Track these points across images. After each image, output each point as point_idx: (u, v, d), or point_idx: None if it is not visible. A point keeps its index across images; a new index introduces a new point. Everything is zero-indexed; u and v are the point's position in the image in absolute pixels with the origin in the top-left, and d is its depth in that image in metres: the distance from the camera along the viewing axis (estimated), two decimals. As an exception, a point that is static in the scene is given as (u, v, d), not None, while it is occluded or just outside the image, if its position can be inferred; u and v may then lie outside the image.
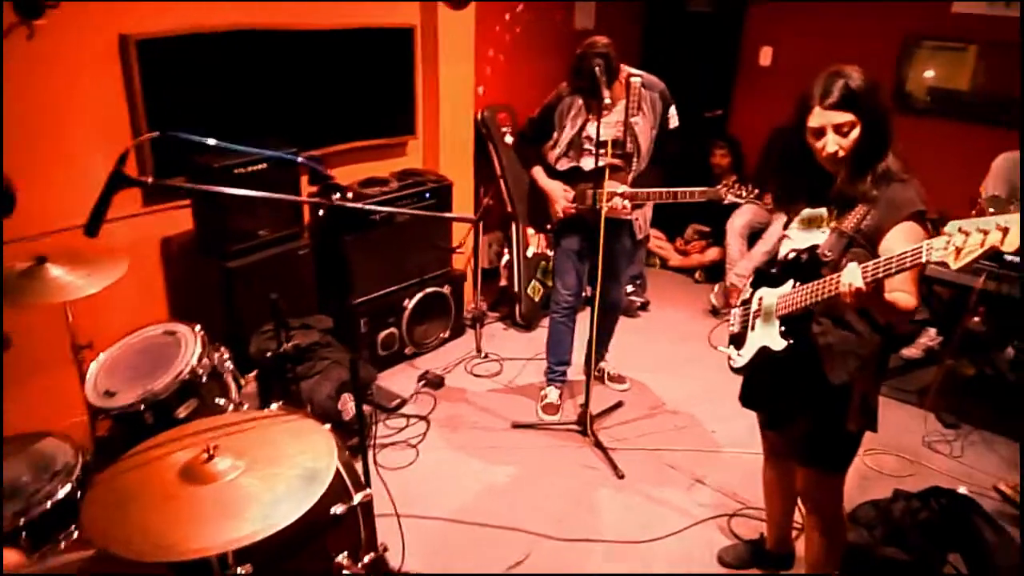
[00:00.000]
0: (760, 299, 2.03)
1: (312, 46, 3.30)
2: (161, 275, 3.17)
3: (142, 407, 2.05)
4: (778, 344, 1.91)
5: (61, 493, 1.95)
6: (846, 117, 1.75)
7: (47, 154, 2.68)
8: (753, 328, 2.04)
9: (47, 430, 2.18)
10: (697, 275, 5.12)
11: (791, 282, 1.90)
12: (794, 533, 2.54)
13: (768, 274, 2.03)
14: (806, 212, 1.95)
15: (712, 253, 5.07)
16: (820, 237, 1.86)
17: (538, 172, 3.16)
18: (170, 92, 2.87)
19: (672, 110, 3.00)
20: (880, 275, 1.57)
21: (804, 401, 1.98)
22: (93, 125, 2.77)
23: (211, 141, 1.68)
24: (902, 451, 3.18)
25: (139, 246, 2.99)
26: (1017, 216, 1.33)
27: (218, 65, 3.00)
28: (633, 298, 4.55)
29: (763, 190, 2.91)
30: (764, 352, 1.97)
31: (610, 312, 3.44)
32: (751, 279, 2.15)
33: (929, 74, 4.42)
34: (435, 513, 2.77)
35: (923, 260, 1.48)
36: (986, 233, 1.36)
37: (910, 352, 3.92)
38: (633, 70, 2.95)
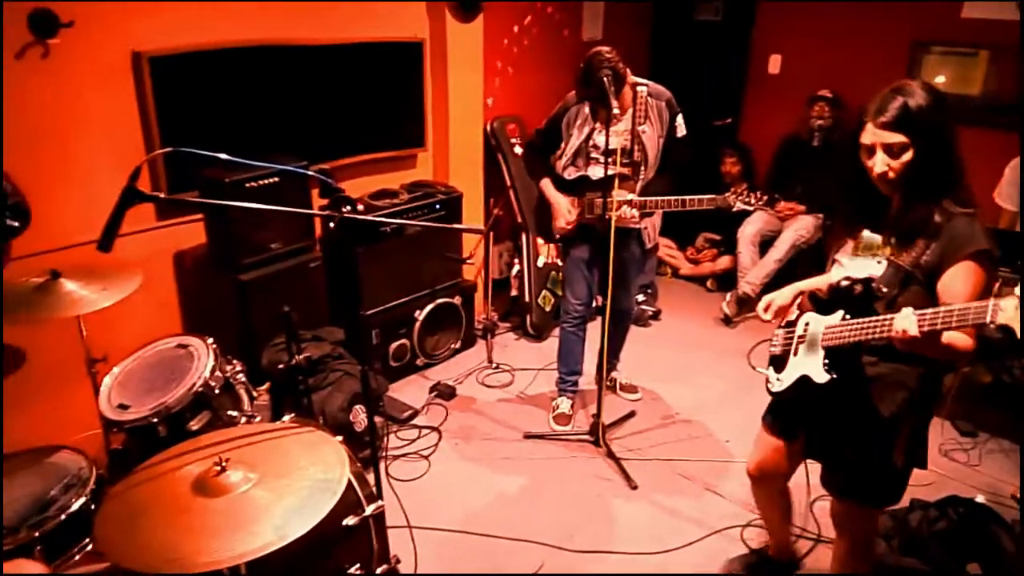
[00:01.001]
0: (806, 325, 1.95)
1: (322, 61, 3.33)
2: (174, 289, 3.20)
3: (155, 420, 2.07)
4: (821, 376, 1.84)
5: (75, 506, 1.96)
6: (897, 138, 1.65)
7: (61, 170, 2.71)
8: (796, 353, 1.96)
9: (61, 443, 2.20)
10: (709, 284, 5.11)
11: (840, 313, 1.82)
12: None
13: (818, 298, 1.95)
14: (863, 237, 1.85)
15: (723, 262, 5.05)
16: (874, 266, 1.78)
17: (546, 184, 3.16)
18: (182, 108, 2.90)
19: (679, 119, 3.01)
20: (938, 327, 1.50)
21: (848, 433, 1.90)
22: (106, 141, 2.80)
23: (223, 156, 1.70)
24: (919, 460, 3.14)
25: (152, 260, 3.02)
26: None
27: (229, 81, 3.03)
28: (644, 307, 4.54)
29: (772, 197, 2.89)
30: (805, 381, 1.89)
31: (621, 321, 3.43)
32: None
33: (940, 79, 4.40)
34: (447, 524, 2.76)
35: (987, 320, 1.40)
36: None
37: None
38: (639, 79, 2.95)
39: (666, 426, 3.46)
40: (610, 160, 2.82)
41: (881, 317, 1.65)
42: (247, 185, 2.87)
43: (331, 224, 1.80)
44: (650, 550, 2.65)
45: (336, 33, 3.36)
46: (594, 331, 3.38)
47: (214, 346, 2.31)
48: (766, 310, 2.07)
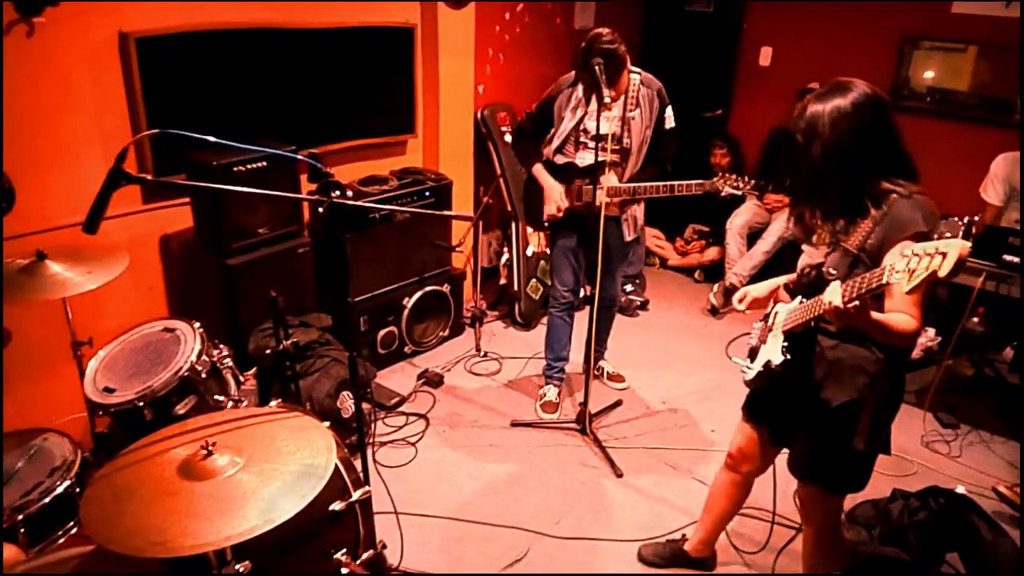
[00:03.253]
0: (775, 314, 2.02)
1: (313, 44, 3.30)
2: (160, 272, 3.17)
3: (141, 404, 2.06)
4: (777, 358, 1.90)
5: (60, 489, 1.96)
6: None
7: (47, 151, 2.68)
8: (765, 342, 2.03)
9: (46, 426, 2.18)
10: (696, 275, 5.13)
11: (799, 298, 1.88)
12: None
13: (790, 289, 2.01)
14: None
15: (711, 253, 5.07)
16: (828, 252, 1.85)
17: (539, 169, 3.15)
18: (169, 90, 2.87)
19: (668, 111, 3.00)
20: (854, 294, 1.56)
21: (809, 417, 1.94)
22: (92, 122, 2.77)
23: (211, 139, 1.68)
24: (901, 451, 3.18)
25: (138, 243, 2.99)
26: (956, 242, 1.34)
27: (218, 63, 3.00)
28: (632, 297, 4.55)
29: (761, 184, 2.91)
30: (768, 366, 1.95)
31: (606, 309, 3.44)
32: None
33: (929, 74, 4.43)
34: (433, 511, 2.77)
35: (885, 280, 1.48)
36: (931, 257, 1.36)
37: (909, 352, 3.92)
38: (632, 67, 2.95)
39: (652, 415, 3.49)
40: (601, 145, 2.81)
41: (819, 297, 1.71)
42: (235, 169, 2.85)
43: (320, 209, 1.78)
44: (635, 537, 2.67)
45: (327, 17, 3.33)
46: (581, 320, 3.39)
47: (201, 330, 2.30)
48: (740, 300, 2.14)
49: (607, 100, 2.63)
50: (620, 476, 3.02)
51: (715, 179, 2.88)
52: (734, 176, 2.89)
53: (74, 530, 1.98)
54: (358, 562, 2.01)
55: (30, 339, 2.65)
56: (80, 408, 2.32)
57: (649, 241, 5.21)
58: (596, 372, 3.69)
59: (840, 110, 1.71)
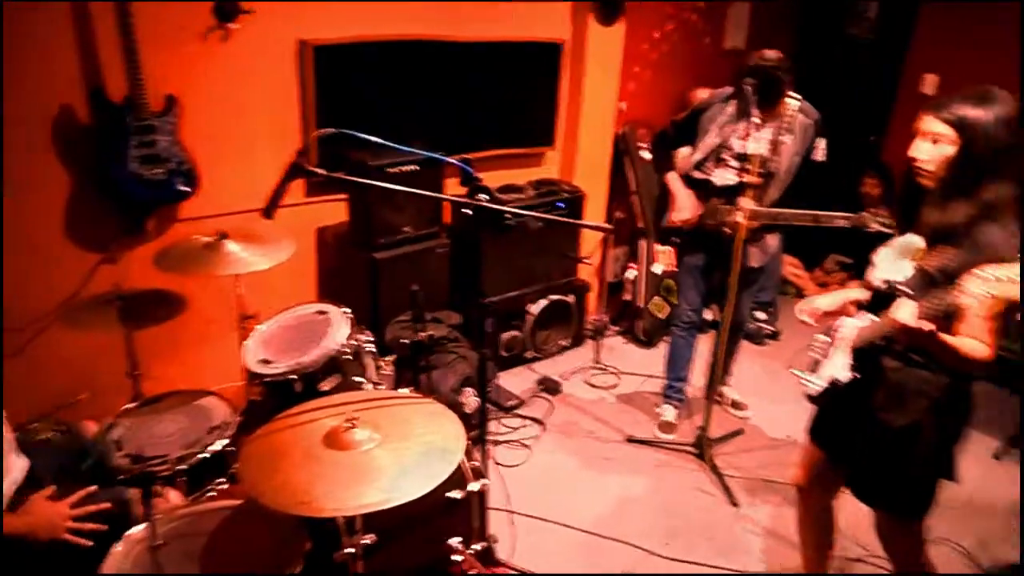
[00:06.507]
0: (839, 328, 2.01)
1: (466, 57, 3.47)
2: (314, 260, 3.44)
3: (293, 376, 2.24)
4: (844, 375, 1.91)
5: (216, 446, 2.17)
6: (941, 128, 1.66)
7: (227, 143, 2.98)
8: (829, 357, 2.01)
9: (209, 389, 2.43)
10: (833, 308, 4.88)
11: (868, 315, 1.88)
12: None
13: (863, 305, 1.99)
14: (900, 240, 1.87)
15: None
16: (905, 268, 1.78)
17: (673, 177, 3.12)
18: (338, 94, 3.12)
19: (821, 142, 2.90)
20: (925, 315, 1.54)
21: (871, 440, 1.91)
22: (269, 120, 3.06)
23: (377, 140, 1.83)
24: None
25: (299, 232, 3.25)
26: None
27: (380, 71, 3.22)
28: (763, 325, 4.41)
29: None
30: (833, 383, 1.94)
31: (733, 334, 3.34)
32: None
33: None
34: (543, 514, 2.82)
35: (957, 302, 1.46)
36: (1010, 283, 1.32)
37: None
38: (793, 94, 2.87)
39: (774, 447, 3.37)
40: (745, 166, 2.75)
41: (888, 315, 1.69)
42: (388, 170, 3.05)
43: (468, 211, 1.89)
44: (745, 569, 2.60)
45: (482, 31, 3.49)
46: (704, 344, 3.33)
47: (350, 315, 2.47)
48: (810, 314, 2.11)
49: (756, 121, 2.59)
50: (736, 506, 2.94)
51: (863, 213, 2.76)
52: (885, 211, 2.75)
53: (225, 485, 2.19)
54: (470, 551, 2.10)
55: (204, 309, 2.95)
56: (237, 376, 2.56)
57: (786, 269, 5.02)
58: (718, 397, 3.61)
59: (1000, 119, 1.62)
